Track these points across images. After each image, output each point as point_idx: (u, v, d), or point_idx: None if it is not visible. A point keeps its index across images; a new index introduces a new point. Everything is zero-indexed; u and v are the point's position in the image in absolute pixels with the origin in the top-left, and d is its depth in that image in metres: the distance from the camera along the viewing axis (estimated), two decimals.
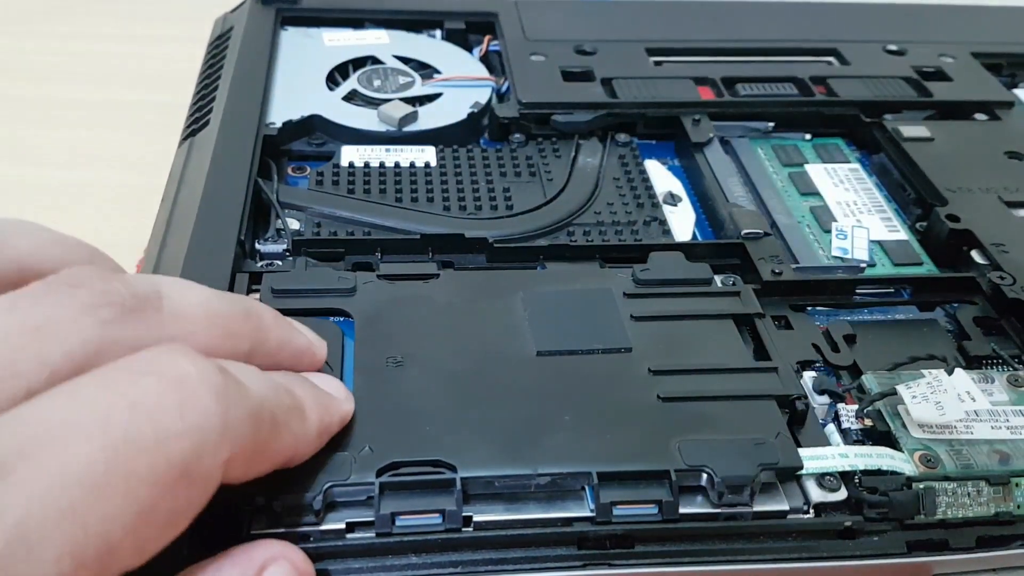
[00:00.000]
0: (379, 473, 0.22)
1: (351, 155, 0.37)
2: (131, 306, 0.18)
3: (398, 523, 0.22)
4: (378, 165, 0.36)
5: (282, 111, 0.38)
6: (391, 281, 0.28)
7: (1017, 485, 0.24)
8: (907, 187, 0.36)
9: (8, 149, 0.53)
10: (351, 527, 0.22)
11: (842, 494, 0.23)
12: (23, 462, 0.15)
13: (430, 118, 0.39)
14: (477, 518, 0.22)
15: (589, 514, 0.22)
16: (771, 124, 0.40)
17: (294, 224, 0.33)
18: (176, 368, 0.17)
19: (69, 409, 0.16)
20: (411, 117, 0.38)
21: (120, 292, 0.18)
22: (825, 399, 0.27)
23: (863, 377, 0.27)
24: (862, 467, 0.24)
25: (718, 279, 0.30)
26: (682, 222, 0.35)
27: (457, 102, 0.40)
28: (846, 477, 0.24)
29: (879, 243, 0.34)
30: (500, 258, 0.31)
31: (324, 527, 0.22)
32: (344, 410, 0.22)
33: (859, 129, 0.40)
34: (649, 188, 0.36)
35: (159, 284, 0.20)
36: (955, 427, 0.25)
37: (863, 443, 0.26)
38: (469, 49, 0.45)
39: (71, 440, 0.15)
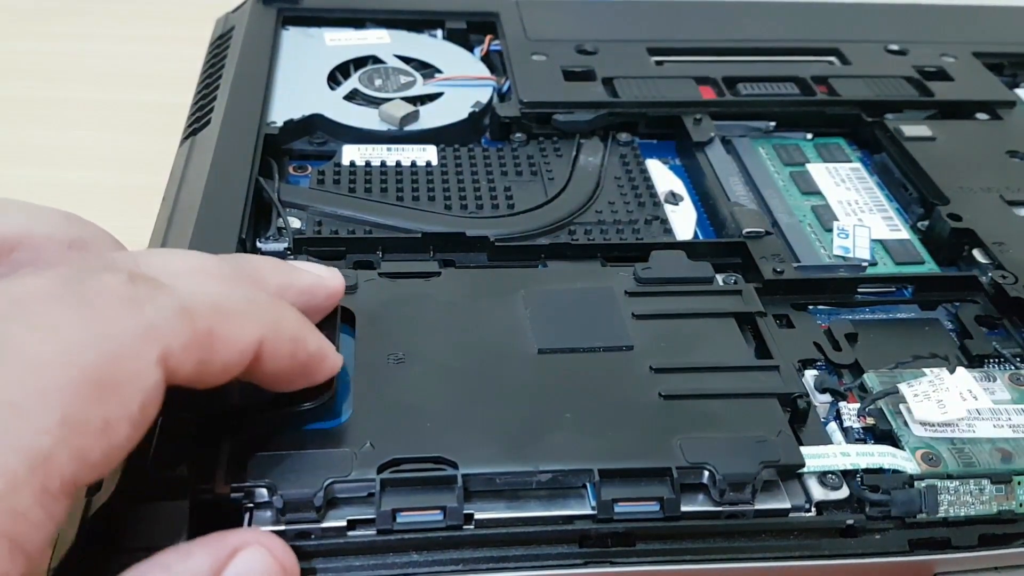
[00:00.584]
0: (380, 470, 0.22)
1: (352, 154, 0.37)
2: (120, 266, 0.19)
3: (399, 520, 0.21)
4: (379, 164, 0.36)
5: (283, 110, 0.38)
6: (392, 279, 0.28)
7: (1019, 483, 0.24)
8: (909, 186, 0.36)
9: (8, 149, 0.53)
10: (352, 524, 0.22)
11: (844, 492, 0.23)
12: None
13: (431, 117, 0.39)
14: (478, 515, 0.22)
15: (590, 512, 0.22)
16: (772, 123, 0.40)
17: (295, 223, 0.33)
18: (82, 287, 0.18)
19: None
20: (412, 116, 0.38)
21: (94, 267, 0.19)
22: (827, 397, 0.27)
23: (865, 376, 0.27)
24: (864, 465, 0.24)
25: (719, 278, 0.30)
26: (683, 221, 0.35)
27: (458, 101, 0.40)
28: (848, 475, 0.24)
29: (881, 242, 0.34)
30: (501, 257, 0.31)
31: (325, 524, 0.21)
32: (324, 344, 0.22)
33: (861, 128, 0.40)
34: (650, 187, 0.36)
35: (136, 256, 0.21)
36: (957, 425, 0.25)
37: (865, 441, 0.26)
38: (470, 49, 0.45)
39: None
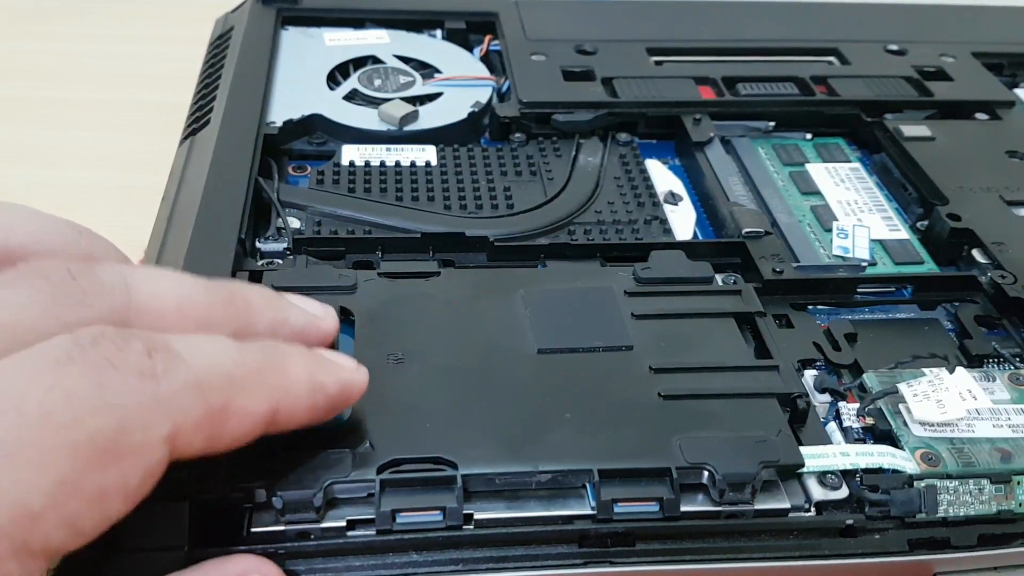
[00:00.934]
0: (380, 470, 0.22)
1: (352, 154, 0.37)
2: (92, 301, 0.19)
3: (399, 520, 0.21)
4: (379, 164, 0.36)
5: (283, 110, 0.38)
6: (392, 279, 0.28)
7: (1019, 483, 0.24)
8: (908, 186, 0.36)
9: (8, 149, 0.53)
10: (352, 524, 0.22)
11: (843, 492, 0.23)
12: None
13: (431, 117, 0.39)
14: (478, 516, 0.22)
15: (590, 512, 0.22)
16: (772, 123, 0.40)
17: (295, 223, 0.33)
18: (100, 352, 0.17)
19: None
20: (412, 116, 0.38)
21: (82, 288, 0.19)
22: (826, 397, 0.27)
23: (864, 375, 0.27)
24: (863, 465, 0.24)
25: (719, 278, 0.30)
26: (683, 221, 0.35)
27: (458, 102, 0.40)
28: (847, 475, 0.24)
29: (880, 242, 0.34)
30: (501, 257, 0.31)
31: (325, 524, 0.21)
32: (344, 377, 0.21)
33: (860, 128, 0.40)
34: (650, 187, 0.36)
35: (127, 276, 0.20)
36: (956, 425, 0.25)
37: (864, 441, 0.26)
38: (470, 49, 0.45)
39: None
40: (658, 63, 0.43)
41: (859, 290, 0.31)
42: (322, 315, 0.23)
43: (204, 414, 0.18)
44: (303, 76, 0.41)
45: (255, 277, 0.28)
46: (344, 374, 0.21)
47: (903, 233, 0.34)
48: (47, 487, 0.16)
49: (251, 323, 0.21)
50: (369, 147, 0.37)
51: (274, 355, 0.20)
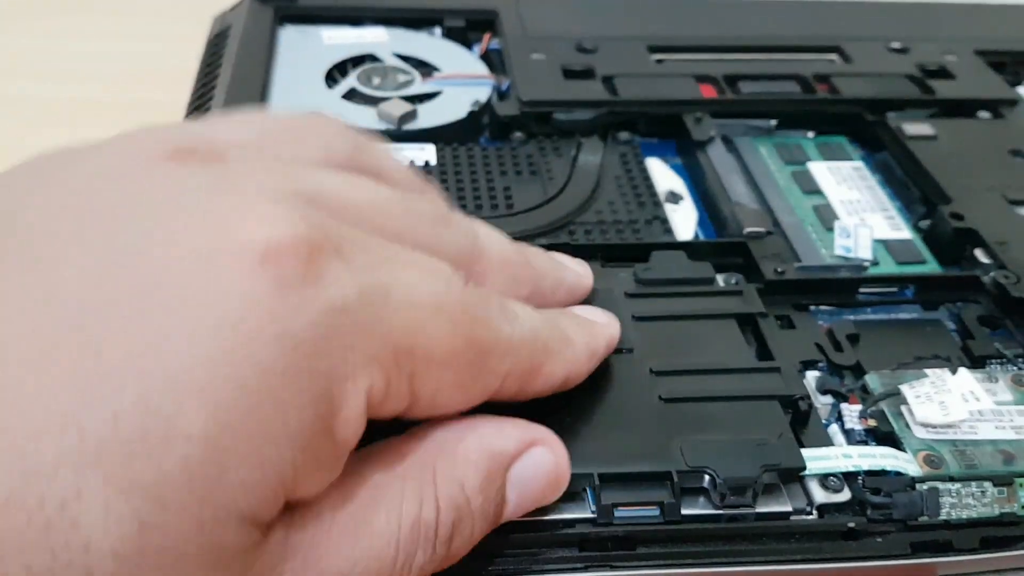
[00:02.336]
0: None
1: None
2: (458, 235, 0.21)
3: None
4: None
5: (281, 109, 0.38)
6: None
7: (1022, 485, 0.24)
8: (910, 185, 0.36)
9: (8, 149, 0.53)
10: None
11: (845, 495, 0.23)
12: (385, 255, 0.18)
13: (430, 116, 0.39)
14: None
15: (590, 515, 0.22)
16: (774, 122, 0.40)
17: None
18: (479, 291, 0.20)
19: (419, 258, 0.19)
20: (411, 115, 0.38)
21: (454, 220, 0.22)
22: (828, 399, 0.27)
23: (866, 377, 0.27)
24: (865, 468, 0.24)
25: (720, 278, 0.29)
26: (684, 221, 0.35)
27: (457, 100, 0.40)
28: (849, 478, 0.24)
29: (882, 242, 0.33)
30: None
31: None
32: (610, 333, 0.24)
33: (862, 127, 0.40)
34: (651, 187, 0.36)
35: (474, 224, 0.23)
36: (959, 427, 0.25)
37: (866, 443, 0.25)
38: (469, 47, 0.45)
39: (419, 270, 0.19)
40: (659, 61, 0.43)
41: (861, 290, 0.31)
42: (584, 273, 0.26)
43: (527, 369, 0.21)
44: (301, 75, 0.41)
45: None
46: (609, 331, 0.24)
47: (906, 233, 0.34)
48: (445, 342, 0.18)
49: (541, 283, 0.24)
50: None
51: (565, 327, 0.22)
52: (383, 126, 0.38)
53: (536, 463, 0.20)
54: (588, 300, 0.27)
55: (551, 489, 0.21)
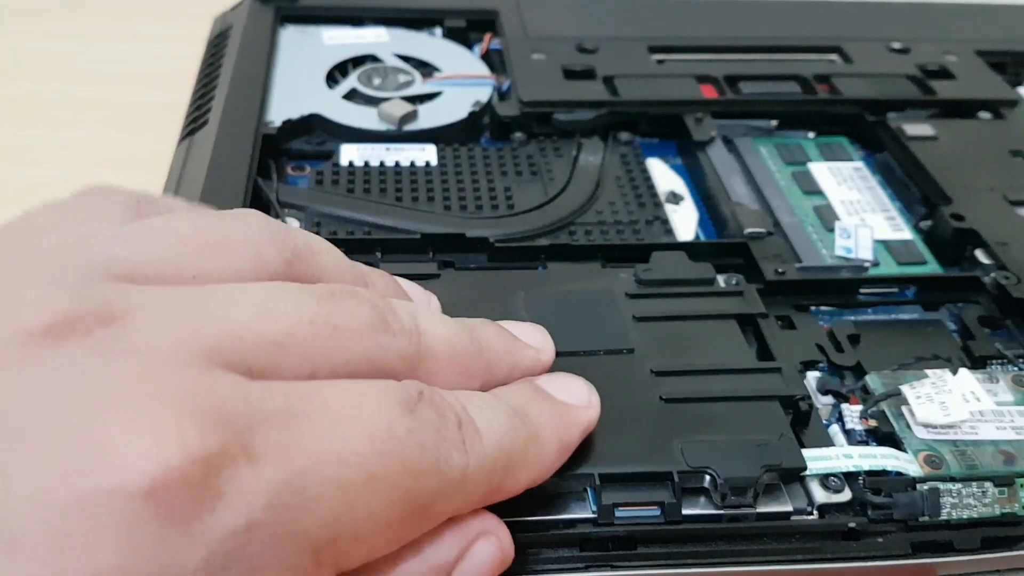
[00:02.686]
0: None
1: (351, 154, 0.36)
2: (399, 339, 0.19)
3: None
4: (378, 164, 0.36)
5: (281, 110, 0.38)
6: None
7: (1022, 486, 0.24)
8: (911, 186, 0.36)
9: (8, 149, 0.53)
10: None
11: (846, 495, 0.23)
12: (307, 424, 0.16)
13: (430, 117, 0.39)
14: None
15: (591, 516, 0.22)
16: (774, 122, 0.40)
17: (294, 224, 0.32)
18: (430, 412, 0.18)
19: (349, 403, 0.17)
20: (411, 116, 0.38)
21: (394, 323, 0.19)
22: (829, 399, 0.27)
23: (867, 377, 0.27)
24: (866, 468, 0.24)
25: (721, 279, 0.29)
26: (684, 221, 0.35)
27: (458, 100, 0.40)
28: (850, 478, 0.24)
29: (883, 242, 0.33)
30: (501, 258, 0.31)
31: None
32: (585, 419, 0.21)
33: (863, 127, 0.40)
34: (651, 187, 0.36)
35: (418, 319, 0.20)
36: (960, 427, 0.25)
37: (867, 444, 0.25)
38: (470, 47, 0.45)
39: (350, 426, 0.16)
40: (660, 61, 0.43)
41: (862, 291, 0.31)
42: (541, 347, 0.23)
43: (483, 496, 0.19)
44: (302, 75, 0.41)
45: None
46: (585, 416, 0.21)
47: (906, 233, 0.34)
48: (380, 520, 0.16)
49: (495, 371, 0.21)
50: (368, 147, 0.37)
51: (535, 420, 0.20)
52: (384, 126, 0.38)
53: (480, 560, 0.19)
54: (588, 301, 0.27)
55: (496, 573, 0.20)
